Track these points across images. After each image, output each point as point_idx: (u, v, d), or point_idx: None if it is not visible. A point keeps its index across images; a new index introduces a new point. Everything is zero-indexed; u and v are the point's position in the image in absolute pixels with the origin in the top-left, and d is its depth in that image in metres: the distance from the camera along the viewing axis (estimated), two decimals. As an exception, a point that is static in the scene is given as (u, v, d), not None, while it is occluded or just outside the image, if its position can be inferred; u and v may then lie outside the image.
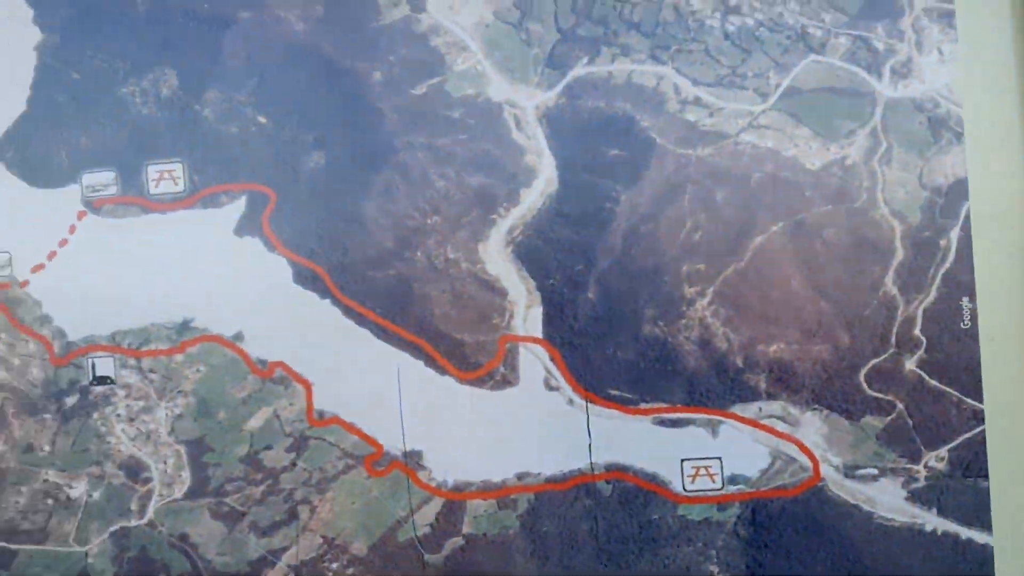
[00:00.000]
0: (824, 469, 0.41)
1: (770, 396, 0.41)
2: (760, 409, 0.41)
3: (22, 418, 0.42)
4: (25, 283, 0.42)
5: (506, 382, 0.42)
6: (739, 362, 0.41)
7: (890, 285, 0.40)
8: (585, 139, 0.42)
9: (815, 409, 0.41)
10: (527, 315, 0.42)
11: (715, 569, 0.41)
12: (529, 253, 0.42)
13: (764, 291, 0.41)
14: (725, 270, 0.41)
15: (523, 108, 0.42)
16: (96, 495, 0.42)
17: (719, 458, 0.41)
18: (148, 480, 0.43)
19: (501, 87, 0.42)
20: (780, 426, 0.41)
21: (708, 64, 0.41)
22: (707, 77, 0.41)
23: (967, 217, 0.40)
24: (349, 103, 0.42)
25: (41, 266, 0.42)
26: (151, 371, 0.42)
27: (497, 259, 0.42)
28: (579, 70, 0.42)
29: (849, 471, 0.40)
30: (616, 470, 0.42)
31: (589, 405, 0.42)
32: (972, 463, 0.40)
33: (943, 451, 0.41)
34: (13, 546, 0.43)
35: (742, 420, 0.41)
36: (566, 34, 0.42)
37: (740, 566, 0.41)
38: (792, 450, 0.41)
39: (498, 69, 0.42)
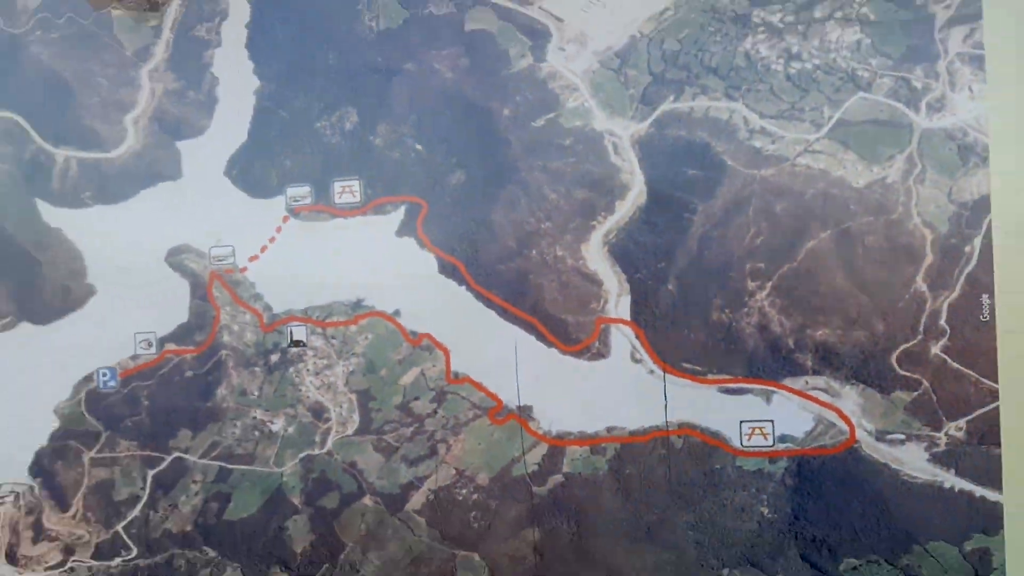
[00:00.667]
0: (859, 433, 0.78)
1: (815, 372, 0.79)
2: (807, 382, 0.79)
3: (239, 370, 0.88)
4: (244, 269, 0.87)
5: (600, 355, 0.82)
6: (790, 343, 0.79)
7: (920, 283, 0.77)
8: (669, 161, 0.81)
9: (853, 384, 0.78)
10: (618, 302, 0.82)
11: (765, 510, 0.79)
12: (621, 252, 0.82)
13: (813, 286, 0.79)
14: (781, 268, 0.79)
15: (620, 137, 0.82)
16: (290, 430, 0.87)
17: (771, 421, 0.79)
18: (328, 420, 0.87)
19: (603, 120, 0.82)
20: (823, 396, 0.79)
21: (772, 100, 0.79)
22: (771, 111, 0.79)
23: (988, 227, 0.76)
24: (484, 133, 0.84)
25: (256, 257, 0.87)
26: (332, 337, 0.86)
27: (596, 257, 0.82)
28: (666, 106, 0.81)
29: (880, 436, 0.78)
30: (686, 427, 0.81)
31: (666, 375, 0.81)
32: (986, 433, 0.76)
33: (962, 422, 0.77)
34: (229, 465, 0.88)
35: (791, 391, 0.79)
36: (656, 77, 0.81)
37: (786, 509, 0.79)
38: (832, 417, 0.79)
39: (601, 106, 0.82)
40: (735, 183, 0.88)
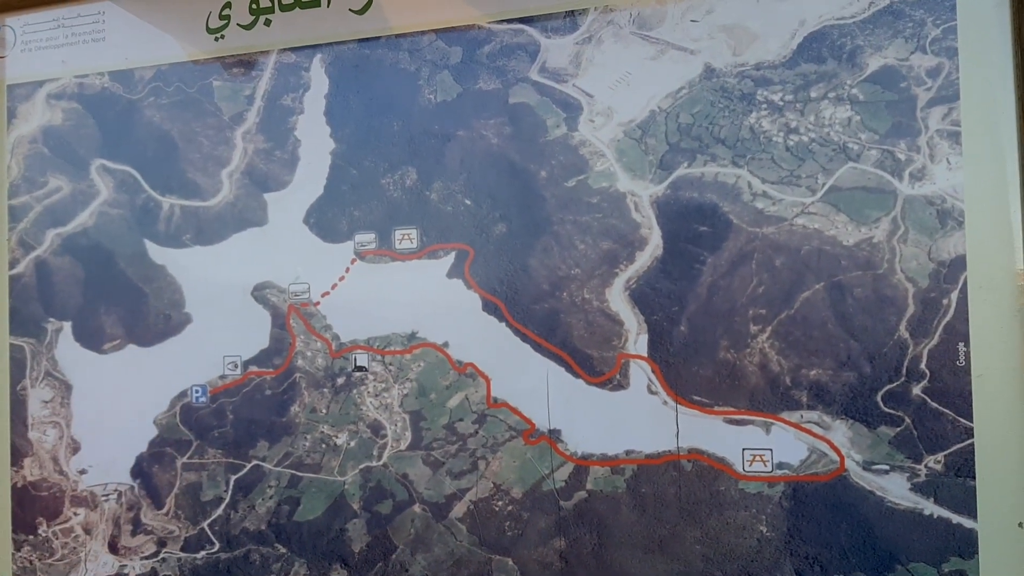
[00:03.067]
0: (848, 463, 1.08)
1: (809, 407, 1.10)
2: (802, 416, 1.10)
3: (310, 390, 1.24)
4: (317, 303, 1.25)
5: (620, 386, 1.15)
6: (787, 381, 1.10)
7: (903, 331, 1.07)
8: (683, 219, 1.14)
9: (843, 418, 1.09)
10: (637, 340, 1.15)
11: (764, 529, 1.10)
12: (640, 296, 1.14)
13: (808, 331, 1.10)
14: (780, 315, 1.11)
15: (640, 196, 1.15)
16: (352, 444, 1.23)
17: (770, 449, 1.11)
18: (384, 436, 1.22)
19: (626, 182, 1.16)
20: (816, 429, 1.10)
21: (773, 168, 1.11)
22: (772, 177, 1.11)
23: (964, 283, 1.06)
24: (524, 191, 1.19)
25: (327, 293, 1.24)
26: (390, 364, 1.22)
27: (618, 299, 1.16)
28: (681, 171, 1.14)
29: (867, 466, 1.08)
30: (695, 453, 1.13)
31: (678, 406, 1.13)
32: (962, 466, 1.06)
33: (940, 456, 1.07)
34: (300, 473, 1.24)
35: (788, 423, 1.10)
36: (672, 146, 1.15)
37: (783, 529, 1.10)
38: (824, 447, 1.09)
39: (624, 169, 1.16)
40: (740, 239, 1.19)
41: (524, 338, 1.25)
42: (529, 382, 1.25)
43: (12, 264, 1.49)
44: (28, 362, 1.47)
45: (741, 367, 1.17)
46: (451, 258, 1.28)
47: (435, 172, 1.29)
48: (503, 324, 1.26)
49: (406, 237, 1.30)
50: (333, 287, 1.33)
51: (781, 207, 1.16)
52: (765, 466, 1.16)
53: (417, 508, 1.28)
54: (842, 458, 1.13)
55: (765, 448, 1.16)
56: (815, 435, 1.14)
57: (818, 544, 1.14)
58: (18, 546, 1.46)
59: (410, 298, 1.30)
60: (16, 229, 1.48)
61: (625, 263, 1.22)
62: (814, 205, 1.15)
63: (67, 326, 1.46)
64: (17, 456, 1.47)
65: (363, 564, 1.29)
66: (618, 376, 1.22)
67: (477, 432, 1.26)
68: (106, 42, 1.47)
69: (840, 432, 1.14)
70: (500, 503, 1.25)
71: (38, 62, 1.49)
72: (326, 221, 1.34)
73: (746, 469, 1.16)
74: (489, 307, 1.26)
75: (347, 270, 1.32)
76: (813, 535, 1.14)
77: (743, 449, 1.17)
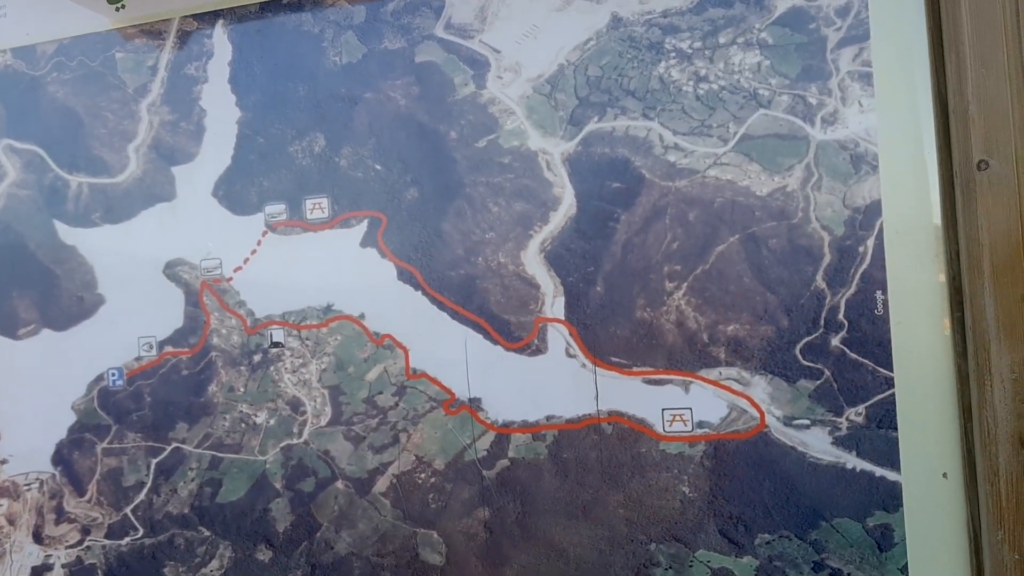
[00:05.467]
0: (769, 419, 1.14)
1: (728, 363, 1.15)
2: (720, 373, 1.15)
3: (227, 369, 1.30)
4: (230, 279, 1.30)
5: (539, 351, 1.21)
6: (705, 338, 1.15)
7: (820, 281, 1.12)
8: (595, 176, 1.19)
9: (762, 373, 1.14)
10: (554, 303, 1.20)
11: (686, 490, 1.16)
12: (556, 258, 1.20)
13: (724, 286, 1.15)
14: (695, 270, 1.16)
15: (552, 154, 1.20)
16: (272, 422, 1.29)
17: (690, 408, 1.16)
18: (304, 413, 1.28)
19: (536, 140, 1.21)
20: (735, 386, 1.15)
21: (684, 119, 1.16)
22: (683, 128, 1.17)
23: (880, 229, 1.11)
24: (434, 153, 1.24)
25: (239, 268, 1.30)
26: (306, 339, 1.28)
27: (533, 262, 1.21)
28: (591, 126, 1.19)
29: (787, 421, 1.13)
30: (615, 415, 1.19)
31: (596, 368, 1.19)
32: (884, 418, 1.11)
33: (861, 408, 1.12)
34: (220, 454, 1.30)
35: (707, 381, 1.16)
36: (582, 100, 1.19)
37: (705, 489, 1.16)
38: (744, 404, 1.15)
39: (535, 127, 1.21)
40: (653, 194, 1.24)
41: (441, 306, 1.31)
42: (448, 351, 1.30)
43: (-79, 252, 1.55)
44: (-57, 352, 1.54)
45: (658, 326, 1.22)
46: (364, 226, 1.34)
47: (343, 137, 1.34)
48: (419, 292, 1.31)
49: (317, 206, 1.35)
50: (245, 261, 1.39)
51: (693, 159, 1.21)
52: (685, 426, 1.22)
53: (340, 484, 1.34)
54: (762, 414, 1.19)
55: (685, 407, 1.22)
56: (734, 392, 1.20)
57: (741, 503, 1.19)
58: (-58, 541, 1.54)
59: (324, 270, 1.35)
60: (-77, 215, 1.55)
61: (539, 224, 1.27)
62: (726, 155, 1.20)
63: (-20, 313, 1.52)
64: (-64, 449, 1.54)
65: (288, 543, 1.36)
66: (536, 341, 1.27)
67: (397, 404, 1.32)
68: (7, 18, 1.52)
69: (760, 388, 1.19)
70: (423, 475, 1.31)
71: (-63, 40, 1.55)
72: (235, 193, 1.39)
73: (666, 429, 1.22)
74: (404, 275, 1.32)
75: (259, 243, 1.38)
76: (736, 494, 1.20)
77: (663, 409, 1.22)
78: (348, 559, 1.34)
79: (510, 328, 1.28)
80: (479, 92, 1.29)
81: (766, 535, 1.19)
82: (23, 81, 1.49)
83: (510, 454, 1.28)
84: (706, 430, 1.21)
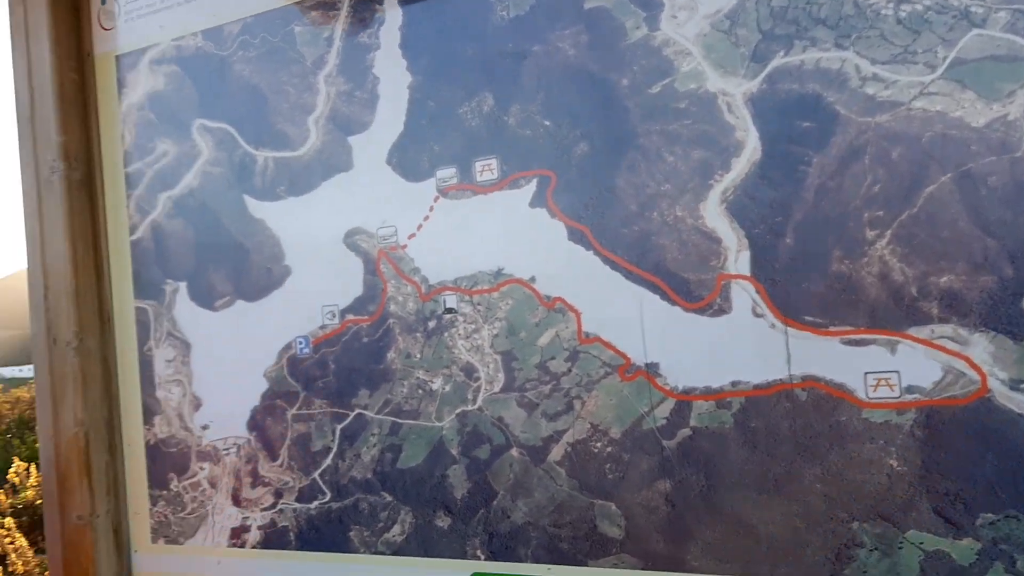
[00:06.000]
0: (991, 382, 1.02)
1: (941, 320, 1.04)
2: (932, 331, 1.04)
3: (404, 335, 1.31)
4: (404, 246, 1.31)
5: (722, 311, 1.13)
6: (913, 291, 1.05)
7: None
8: (782, 116, 1.10)
9: (982, 331, 1.02)
10: (738, 258, 1.13)
11: (894, 462, 1.06)
12: (739, 209, 1.12)
13: (935, 231, 1.04)
14: (900, 215, 1.05)
15: (733, 96, 1.13)
16: (447, 388, 1.28)
17: (897, 371, 1.06)
18: (478, 379, 1.27)
19: (715, 81, 1.13)
20: (951, 345, 1.04)
21: (884, 46, 1.06)
22: (883, 56, 1.06)
23: None
24: (605, 104, 1.19)
25: (413, 235, 1.30)
26: (478, 304, 1.26)
27: (714, 215, 1.14)
28: (777, 61, 1.11)
29: (1014, 385, 1.01)
30: (810, 380, 1.10)
31: (788, 328, 1.10)
32: None
33: None
34: (400, 420, 1.31)
35: (917, 340, 1.05)
36: (766, 34, 1.11)
37: (916, 461, 1.05)
38: (962, 365, 1.03)
39: (713, 67, 1.13)
40: (849, 132, 1.12)
41: (614, 266, 1.25)
42: (622, 313, 1.25)
43: (132, 230, 1.68)
44: (152, 323, 1.66)
45: (858, 279, 1.11)
46: (533, 186, 1.31)
47: (512, 95, 1.32)
48: (591, 252, 1.27)
49: (486, 168, 1.34)
50: (419, 228, 1.40)
51: (896, 90, 1.08)
52: (892, 391, 1.09)
53: (515, 452, 1.33)
54: (984, 377, 1.05)
55: (891, 371, 1.09)
56: (950, 352, 1.06)
57: (959, 478, 1.06)
58: (154, 501, 1.66)
59: (494, 233, 1.34)
60: (132, 196, 1.67)
61: (720, 173, 1.19)
62: (935, 84, 1.06)
63: (183, 286, 1.63)
64: (148, 415, 1.67)
65: (465, 511, 1.36)
66: (718, 300, 1.19)
67: (570, 370, 1.29)
68: (196, 1, 1.62)
69: (980, 347, 1.05)
70: (599, 444, 1.27)
71: (140, 30, 1.67)
72: (407, 159, 1.40)
73: (870, 396, 1.10)
74: (575, 235, 1.28)
75: (431, 209, 1.38)
76: (953, 468, 1.06)
77: (865, 373, 1.11)
78: (525, 528, 1.32)
79: (689, 287, 1.21)
80: (652, 34, 1.22)
81: (989, 515, 1.05)
82: (213, 62, 1.58)
83: (692, 423, 1.21)
84: (916, 396, 1.08)
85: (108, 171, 1.71)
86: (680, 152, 1.21)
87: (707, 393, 1.20)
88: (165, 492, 1.65)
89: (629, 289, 1.24)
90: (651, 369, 1.23)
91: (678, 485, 1.22)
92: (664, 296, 1.22)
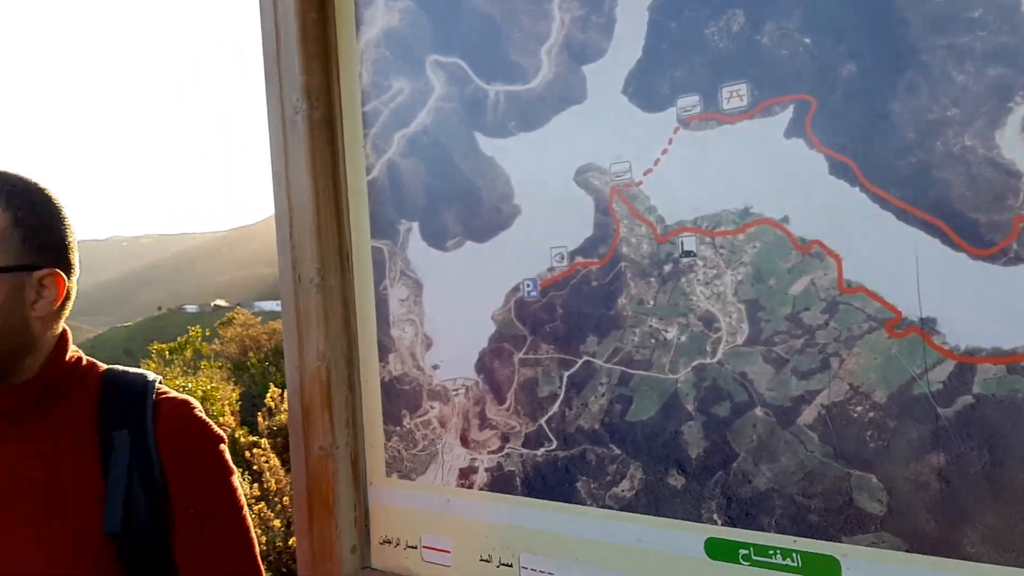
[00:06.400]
0: None
1: None
2: None
3: (636, 280, 1.22)
4: (639, 183, 1.21)
5: (1018, 258, 0.96)
6: None
7: None
8: None
9: None
10: (1043, 195, 0.94)
11: None
12: (1048, 136, 0.93)
13: None
14: None
15: None
16: (683, 338, 1.19)
17: None
18: (718, 329, 1.16)
19: None
20: None
21: None
22: None
23: None
24: (878, 16, 1.04)
25: (649, 170, 1.20)
26: (721, 247, 1.15)
27: (1013, 144, 0.97)
28: None
29: None
30: None
31: None
32: None
33: None
34: (630, 370, 1.22)
35: None
36: None
37: None
38: None
39: None
40: None
41: (884, 204, 1.09)
42: (892, 259, 1.09)
43: (368, 170, 1.70)
44: (387, 263, 1.68)
45: None
46: (788, 113, 1.16)
47: (766, 10, 1.17)
48: (856, 189, 1.11)
49: (734, 94, 1.20)
50: (656, 163, 1.29)
51: None
52: None
53: (759, 412, 1.21)
54: None
55: None
56: None
57: None
58: (388, 436, 1.70)
59: (741, 167, 1.21)
60: (369, 135, 1.69)
61: (1022, 94, 0.99)
62: None
63: (415, 226, 1.63)
64: (383, 352, 1.70)
65: (701, 471, 1.26)
66: (1015, 246, 1.00)
67: (827, 323, 1.14)
68: (432, -66, 1.59)
69: None
70: (859, 409, 1.12)
71: (376, -33, 1.67)
72: (646, 88, 1.30)
73: None
74: (838, 169, 1.12)
75: (669, 142, 1.27)
76: None
77: None
78: (769, 495, 1.20)
79: (978, 230, 1.02)
80: (940, -70, 1.03)
81: None
82: (446, -5, 1.55)
83: (975, 389, 1.04)
84: None
85: (347, 110, 1.74)
86: (972, 70, 1.02)
87: (996, 355, 1.02)
88: (398, 428, 1.68)
89: (902, 231, 1.08)
90: (926, 325, 1.07)
91: (955, 460, 1.05)
92: (946, 240, 1.05)
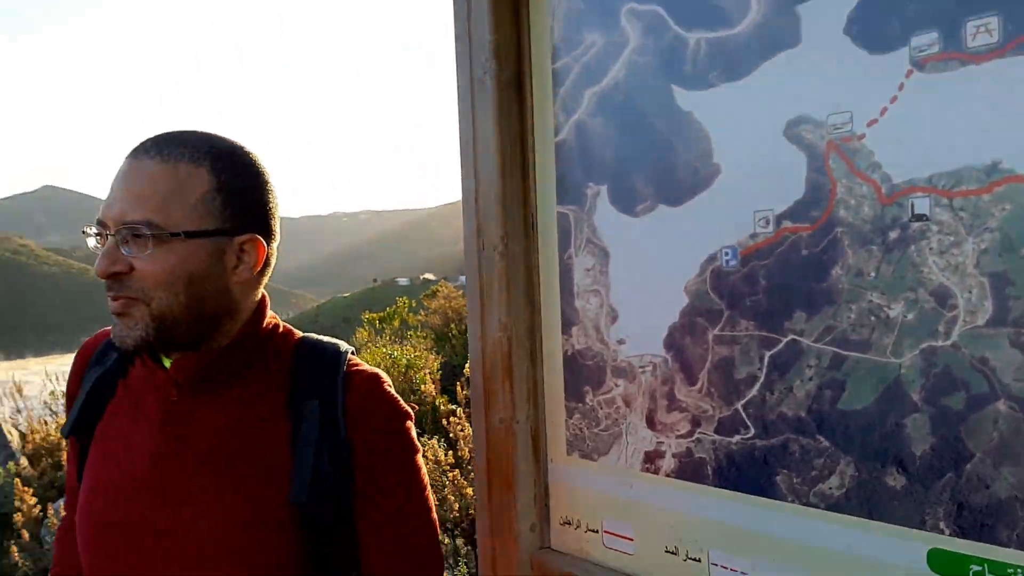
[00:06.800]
0: None
1: None
2: None
3: (854, 249, 1.07)
4: (862, 136, 1.05)
5: None
6: None
7: None
8: None
9: None
10: None
11: None
12: None
13: None
14: None
15: None
16: (910, 316, 1.02)
17: None
18: (954, 307, 0.99)
19: None
20: None
21: None
22: None
23: None
24: None
25: (875, 121, 1.04)
26: (960, 209, 0.98)
27: None
28: None
29: None
30: None
31: None
32: None
33: None
34: (843, 352, 1.09)
35: None
36: None
37: None
38: None
39: None
40: None
41: None
42: None
43: (556, 131, 1.61)
44: (572, 230, 1.59)
45: None
46: (1054, 48, 0.97)
47: (1029, -76, 0.98)
48: None
49: (982, 29, 1.02)
50: (882, 112, 1.12)
51: None
52: None
53: (1002, 405, 1.02)
54: None
55: None
56: None
57: None
58: (570, 413, 1.62)
59: (988, 116, 1.02)
60: (559, 94, 1.60)
61: None
62: None
63: (603, 190, 1.52)
64: (567, 324, 1.62)
65: (926, 471, 1.09)
66: None
67: (1098, 302, 0.94)
68: None
69: None
70: None
71: (569, -88, 1.57)
72: (872, 26, 1.12)
73: None
74: (1119, 113, 0.92)
75: (900, 87, 1.10)
76: None
77: None
78: (1010, 504, 1.02)
79: None
80: None
81: None
82: (644, -63, 1.43)
83: None
84: None
85: (536, 69, 1.66)
86: None
87: None
88: (580, 405, 1.59)
89: None
90: None
91: None
92: None
